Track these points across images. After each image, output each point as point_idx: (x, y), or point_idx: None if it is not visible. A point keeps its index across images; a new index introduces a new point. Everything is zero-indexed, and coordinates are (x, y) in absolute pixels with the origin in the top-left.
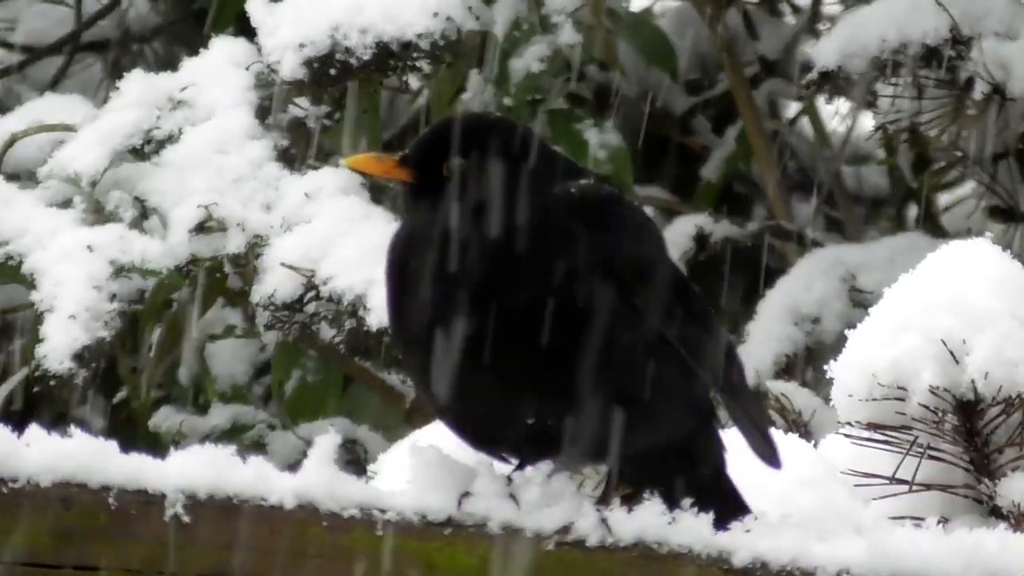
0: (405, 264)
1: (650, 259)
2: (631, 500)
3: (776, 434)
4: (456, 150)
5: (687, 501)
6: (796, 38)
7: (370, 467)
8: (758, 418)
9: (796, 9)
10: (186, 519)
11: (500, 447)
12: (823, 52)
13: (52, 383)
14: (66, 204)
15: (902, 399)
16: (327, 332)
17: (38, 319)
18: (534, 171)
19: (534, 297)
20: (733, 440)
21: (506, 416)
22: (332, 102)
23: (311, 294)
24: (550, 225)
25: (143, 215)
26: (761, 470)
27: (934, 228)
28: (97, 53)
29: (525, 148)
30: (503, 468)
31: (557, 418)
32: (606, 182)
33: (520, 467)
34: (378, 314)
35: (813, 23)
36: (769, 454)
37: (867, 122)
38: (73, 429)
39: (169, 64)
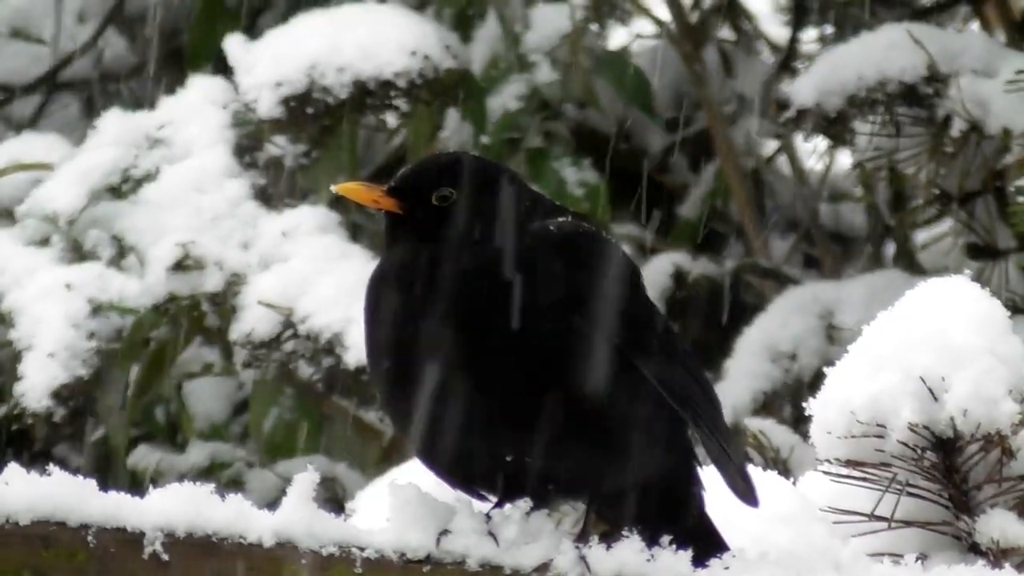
0: (389, 299)
1: (629, 297)
2: (610, 537)
3: (754, 471)
4: (444, 183)
5: (666, 538)
6: (774, 76)
7: (348, 504)
8: (735, 456)
9: (773, 47)
10: (165, 557)
11: (479, 484)
12: (801, 90)
13: (31, 421)
14: (44, 243)
15: (881, 436)
16: (305, 370)
17: (16, 357)
18: (517, 208)
19: (514, 333)
20: (712, 477)
21: (485, 453)
22: (309, 140)
23: (289, 332)
24: (532, 262)
25: (121, 254)
26: (739, 507)
27: (912, 266)
28: (74, 92)
29: (507, 185)
30: (482, 506)
31: (536, 455)
32: (584, 219)
33: (499, 504)
34: (355, 352)
35: (790, 61)
36: (746, 492)
37: (845, 160)
38: (52, 467)
39: (146, 103)
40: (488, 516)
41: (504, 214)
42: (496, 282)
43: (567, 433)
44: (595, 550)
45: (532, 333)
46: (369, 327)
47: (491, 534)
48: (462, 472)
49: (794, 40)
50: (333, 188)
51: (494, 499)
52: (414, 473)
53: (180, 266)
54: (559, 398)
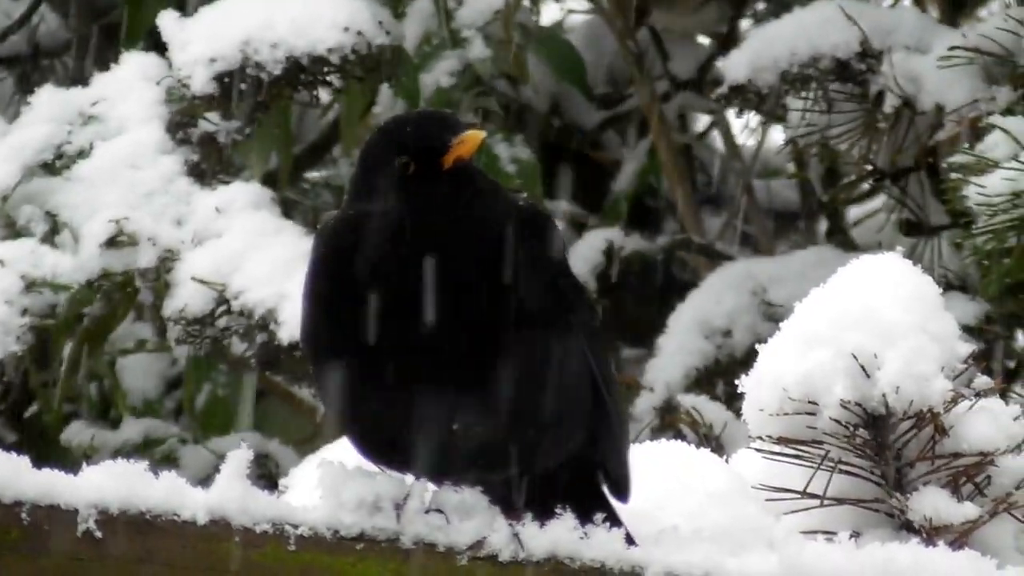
0: (386, 256)
1: (573, 275)
2: (544, 515)
3: (687, 448)
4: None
5: (599, 516)
6: (711, 58)
7: (282, 481)
8: (627, 446)
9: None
10: (98, 534)
11: (411, 462)
12: (733, 66)
13: None
14: None
15: (813, 413)
16: (238, 346)
17: None
18: (491, 180)
19: (491, 306)
20: (650, 454)
21: (428, 423)
22: (243, 116)
23: (222, 308)
24: (518, 232)
25: (54, 230)
26: (674, 484)
27: (845, 242)
28: (7, 68)
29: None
30: (416, 483)
31: (480, 425)
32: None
33: (433, 482)
34: (289, 328)
35: (728, 46)
36: (626, 486)
37: (777, 136)
38: None
39: (80, 79)
40: (422, 494)
41: (486, 184)
42: (492, 252)
43: (516, 401)
44: (528, 527)
45: (507, 302)
46: (352, 284)
47: (425, 512)
48: (398, 448)
49: (733, 27)
50: (469, 135)
51: (426, 477)
52: (347, 450)
53: (113, 242)
54: (516, 366)
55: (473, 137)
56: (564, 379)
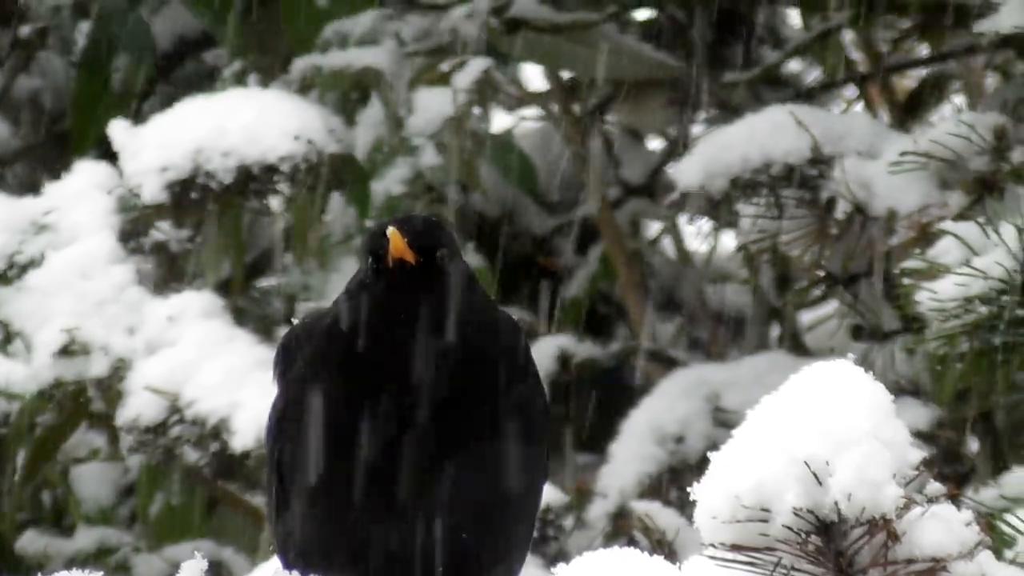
0: (377, 357)
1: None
2: None
3: (639, 555)
4: (441, 243)
5: None
6: (662, 164)
7: None
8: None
9: (664, 134)
10: None
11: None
12: (684, 172)
13: None
14: None
15: (766, 520)
16: (192, 455)
17: None
18: (476, 283)
19: (479, 419)
20: (603, 561)
21: (400, 540)
22: (194, 225)
23: (175, 417)
24: (501, 349)
25: (7, 339)
26: None
27: (797, 347)
28: None
29: (463, 257)
30: None
31: (458, 545)
32: None
33: None
34: (241, 437)
35: (679, 151)
36: None
37: (729, 241)
38: None
39: (31, 188)
40: None
41: (471, 286)
42: (482, 363)
43: (496, 518)
44: None
45: (494, 412)
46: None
47: None
48: (360, 559)
49: (685, 132)
50: (389, 231)
51: None
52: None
53: (66, 351)
54: (492, 493)
55: (391, 235)
56: (536, 497)
